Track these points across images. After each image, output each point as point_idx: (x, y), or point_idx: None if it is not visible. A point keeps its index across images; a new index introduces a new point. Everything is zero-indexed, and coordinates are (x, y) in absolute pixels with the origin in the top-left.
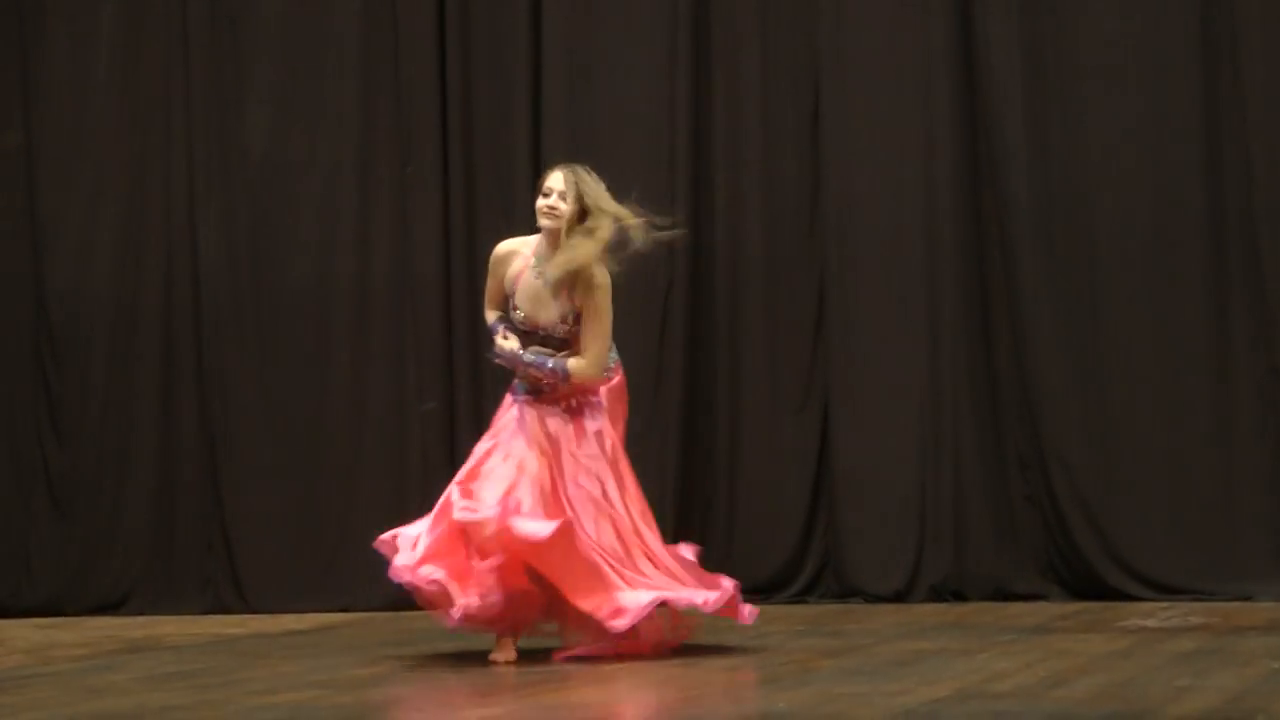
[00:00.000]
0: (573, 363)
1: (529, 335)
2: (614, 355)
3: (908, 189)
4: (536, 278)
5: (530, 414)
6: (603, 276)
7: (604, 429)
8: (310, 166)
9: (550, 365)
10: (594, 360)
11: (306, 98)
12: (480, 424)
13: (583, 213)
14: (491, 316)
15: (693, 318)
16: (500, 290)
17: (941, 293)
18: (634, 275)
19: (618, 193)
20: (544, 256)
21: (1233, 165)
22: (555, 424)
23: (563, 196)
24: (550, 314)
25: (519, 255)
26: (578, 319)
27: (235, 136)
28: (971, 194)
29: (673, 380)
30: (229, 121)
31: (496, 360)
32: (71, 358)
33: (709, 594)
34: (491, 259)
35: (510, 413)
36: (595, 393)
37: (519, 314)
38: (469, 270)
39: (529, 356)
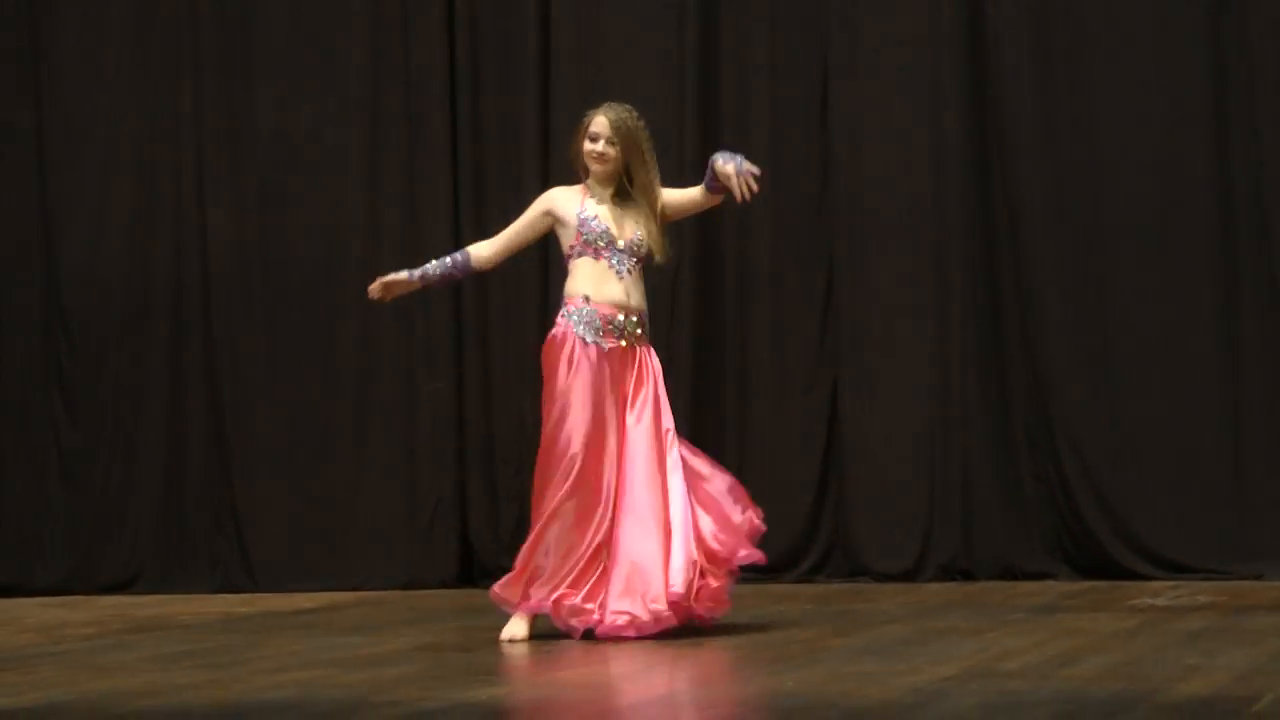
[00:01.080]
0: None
1: (609, 245)
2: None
3: (916, 169)
4: (599, 203)
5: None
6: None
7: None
8: (319, 147)
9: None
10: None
11: (316, 78)
12: (489, 405)
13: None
14: (479, 253)
15: (702, 299)
16: (535, 225)
17: (950, 273)
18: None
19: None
20: (602, 188)
21: (1242, 145)
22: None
23: (610, 142)
24: (625, 237)
25: (571, 191)
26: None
27: (245, 117)
28: (980, 174)
29: (682, 361)
30: (238, 102)
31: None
32: (84, 339)
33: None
34: (543, 197)
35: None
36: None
37: (598, 223)
38: None
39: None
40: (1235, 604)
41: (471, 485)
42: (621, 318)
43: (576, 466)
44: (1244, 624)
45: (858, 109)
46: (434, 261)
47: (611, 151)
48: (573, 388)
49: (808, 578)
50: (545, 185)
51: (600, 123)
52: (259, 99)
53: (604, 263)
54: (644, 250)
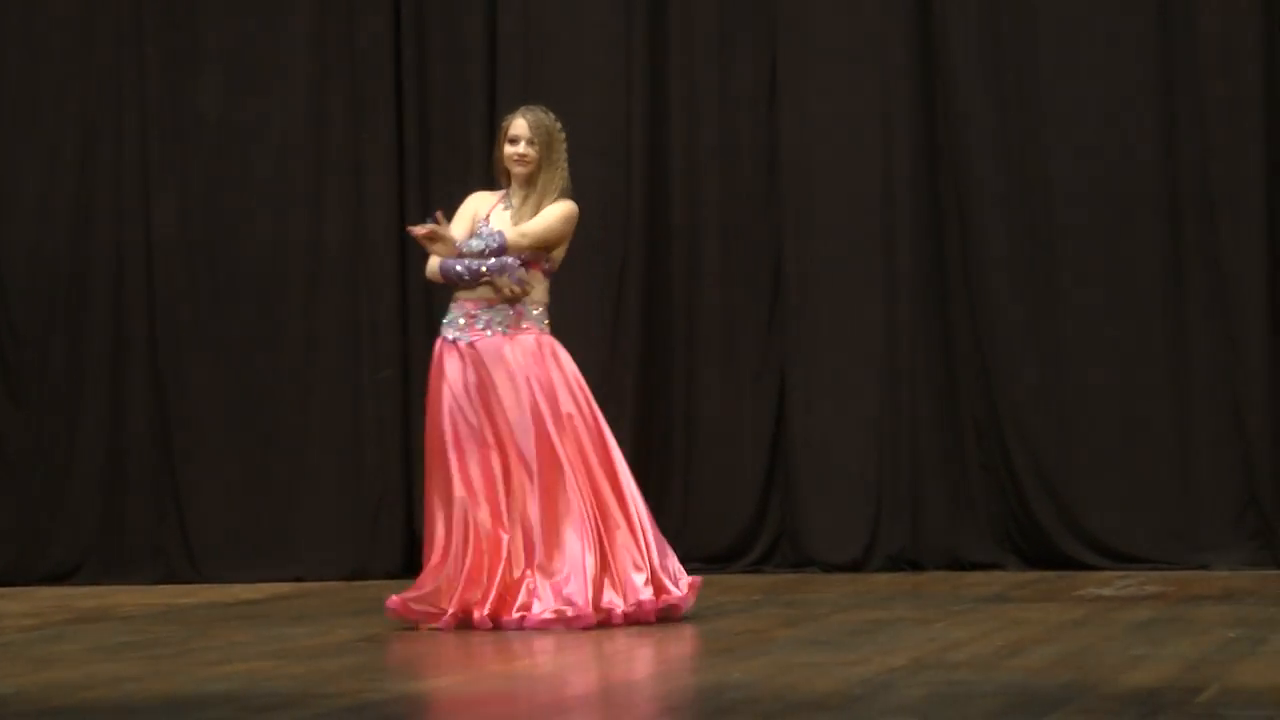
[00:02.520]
0: (511, 232)
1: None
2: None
3: (865, 158)
4: (506, 209)
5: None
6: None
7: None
8: (264, 133)
9: (492, 250)
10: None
11: (261, 63)
12: None
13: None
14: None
15: (649, 288)
16: (464, 226)
17: (899, 261)
18: (588, 247)
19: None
20: (517, 194)
21: (1190, 135)
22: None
23: (530, 143)
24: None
25: (491, 195)
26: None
27: (189, 102)
28: (929, 162)
29: (629, 349)
30: (183, 87)
31: (444, 276)
32: (26, 324)
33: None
34: (466, 202)
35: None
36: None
37: (485, 227)
38: None
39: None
40: (1182, 594)
41: (418, 474)
42: (487, 308)
43: (438, 466)
44: (1191, 614)
45: (807, 98)
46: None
47: (531, 152)
48: (439, 396)
49: (755, 568)
50: (490, 170)
51: (519, 125)
52: (203, 83)
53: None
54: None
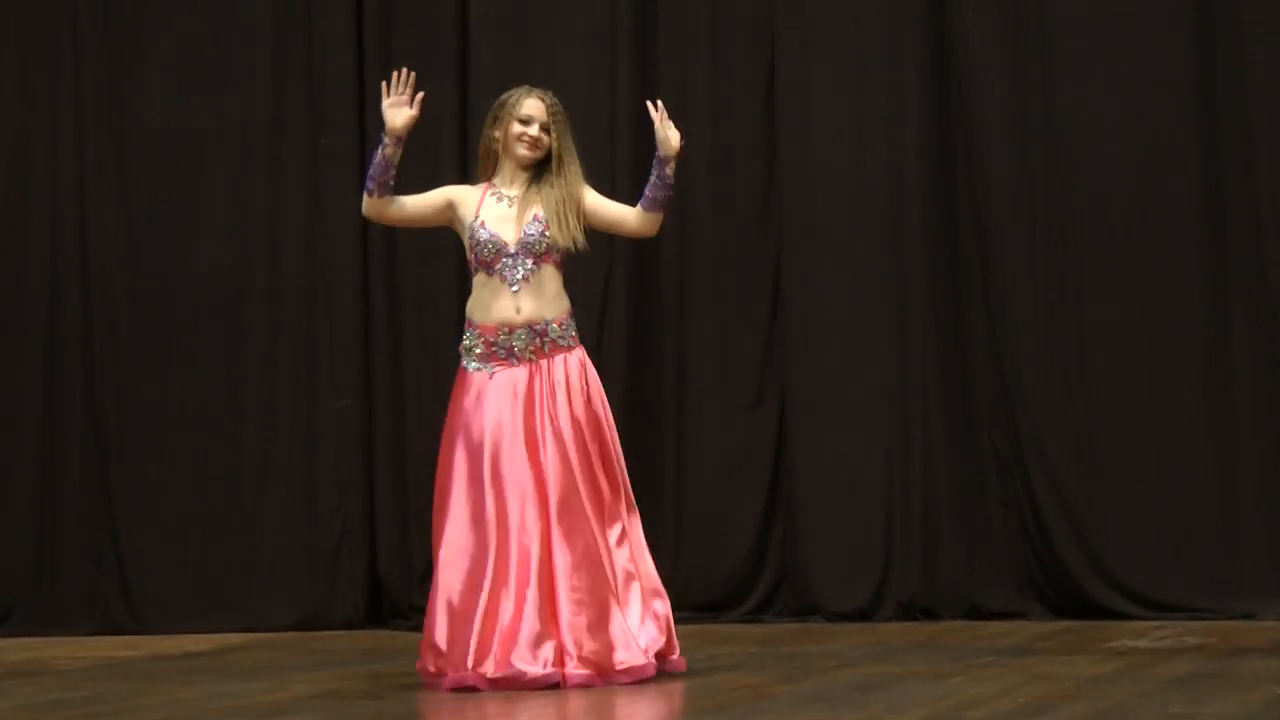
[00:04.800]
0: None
1: (499, 253)
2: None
3: (872, 159)
4: (499, 201)
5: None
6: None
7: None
8: (215, 138)
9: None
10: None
11: (211, 62)
12: (401, 424)
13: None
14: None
15: (636, 304)
16: (431, 202)
17: (910, 275)
18: (568, 262)
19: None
20: (516, 182)
21: (1231, 131)
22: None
23: (545, 128)
24: (517, 232)
25: (472, 189)
26: (549, 243)
27: (131, 105)
28: (943, 164)
29: (614, 373)
30: (124, 88)
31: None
32: None
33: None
34: (449, 187)
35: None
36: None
37: (485, 231)
38: (388, 252)
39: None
40: (1226, 646)
41: (381, 514)
42: (507, 335)
43: (449, 514)
44: (1235, 668)
45: (808, 95)
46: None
47: (546, 139)
48: (455, 429)
49: (752, 617)
50: (463, 172)
51: (535, 106)
52: (147, 84)
53: (495, 277)
54: (546, 243)
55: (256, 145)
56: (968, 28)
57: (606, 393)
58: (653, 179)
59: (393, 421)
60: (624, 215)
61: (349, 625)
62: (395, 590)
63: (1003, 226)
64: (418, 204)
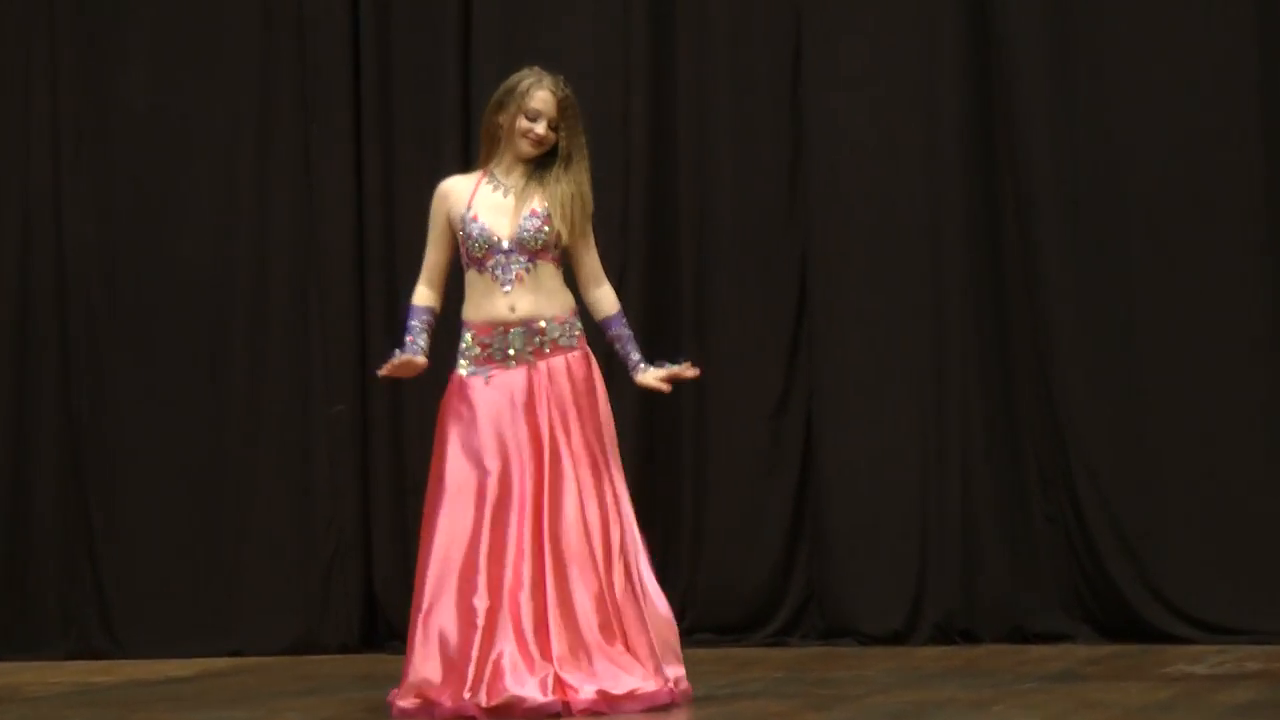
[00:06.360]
0: (611, 294)
1: (492, 249)
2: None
3: (907, 154)
4: (495, 190)
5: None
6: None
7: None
8: (200, 126)
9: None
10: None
11: (197, 46)
12: (398, 431)
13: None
14: (424, 297)
15: (652, 306)
16: (445, 238)
17: (947, 276)
18: None
19: None
20: (515, 174)
21: None
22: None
23: (553, 127)
24: (512, 227)
25: (466, 179)
26: (546, 239)
27: (112, 92)
28: (984, 160)
29: (628, 379)
30: (104, 75)
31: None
32: None
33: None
34: (436, 198)
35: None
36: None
37: (477, 225)
38: (385, 249)
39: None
40: None
41: (377, 528)
42: (502, 335)
43: (438, 531)
44: None
45: (836, 84)
46: (417, 337)
47: (553, 136)
48: (446, 436)
49: (778, 639)
50: (467, 153)
51: (545, 100)
52: (129, 76)
53: (487, 274)
54: (543, 239)
55: (244, 132)
56: (1010, 16)
57: (620, 399)
58: (626, 346)
59: (389, 428)
60: (587, 272)
61: (343, 648)
62: (393, 611)
63: (1047, 221)
64: (439, 255)
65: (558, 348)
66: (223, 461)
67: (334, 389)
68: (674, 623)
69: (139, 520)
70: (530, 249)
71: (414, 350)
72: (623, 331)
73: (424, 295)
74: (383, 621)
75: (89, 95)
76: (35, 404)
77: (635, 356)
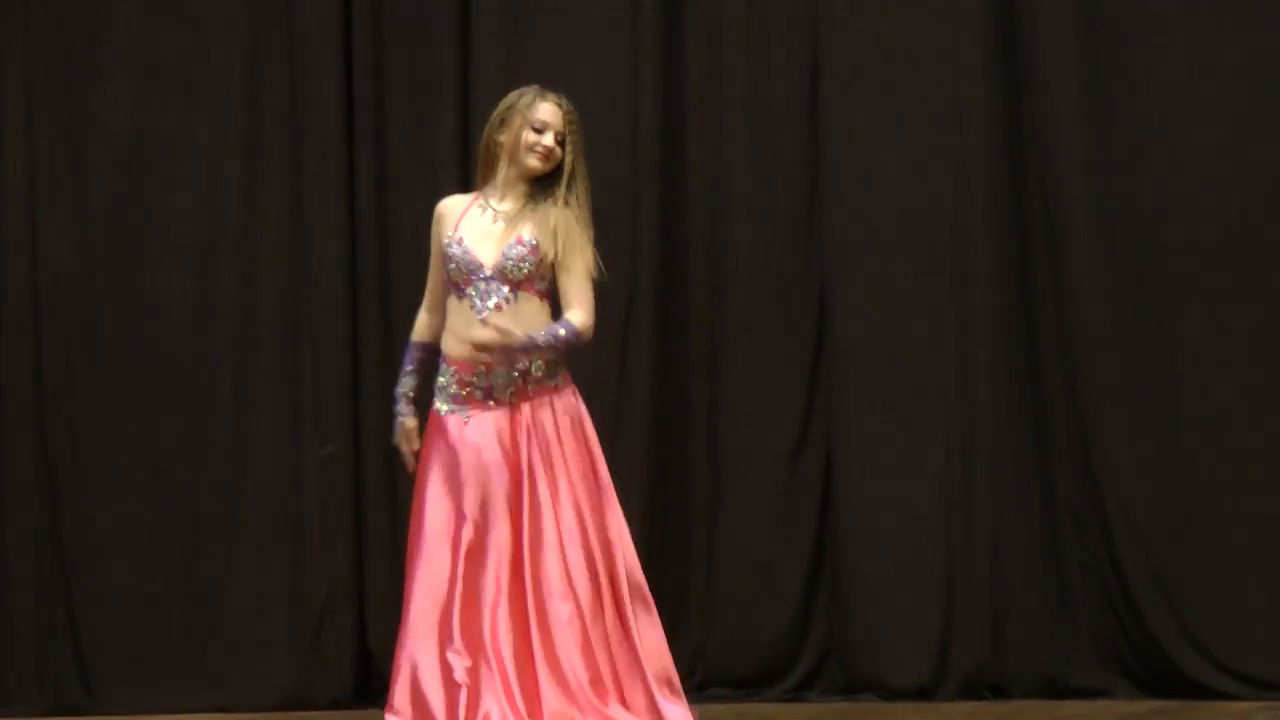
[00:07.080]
0: (578, 318)
1: (472, 275)
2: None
3: (931, 172)
4: (485, 213)
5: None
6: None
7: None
8: (183, 150)
9: (545, 334)
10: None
11: (180, 65)
12: (393, 473)
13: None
14: (423, 327)
15: (661, 338)
16: (441, 259)
17: (974, 305)
18: None
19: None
20: (512, 195)
21: None
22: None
23: (560, 140)
24: (496, 254)
25: (461, 201)
26: (531, 270)
27: (89, 113)
28: (1012, 179)
29: (636, 417)
30: (81, 94)
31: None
32: None
33: None
34: (435, 220)
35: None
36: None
37: (460, 249)
38: (380, 276)
39: (523, 336)
40: None
41: (371, 576)
42: (482, 373)
43: (417, 581)
44: None
45: (856, 101)
46: (404, 378)
47: (560, 151)
48: (425, 479)
49: (796, 694)
50: (464, 184)
51: (551, 112)
52: (107, 89)
53: (465, 302)
54: (527, 270)
55: (229, 152)
56: (1040, 27)
57: (627, 439)
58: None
59: (384, 470)
60: (567, 299)
61: (335, 704)
62: (387, 664)
63: (1081, 250)
64: (440, 279)
65: (543, 388)
66: (208, 506)
67: (325, 429)
68: (666, 649)
69: (117, 568)
70: (512, 279)
71: (403, 412)
72: (556, 329)
73: (421, 326)
74: (376, 675)
75: (64, 120)
76: (8, 443)
77: (522, 332)
